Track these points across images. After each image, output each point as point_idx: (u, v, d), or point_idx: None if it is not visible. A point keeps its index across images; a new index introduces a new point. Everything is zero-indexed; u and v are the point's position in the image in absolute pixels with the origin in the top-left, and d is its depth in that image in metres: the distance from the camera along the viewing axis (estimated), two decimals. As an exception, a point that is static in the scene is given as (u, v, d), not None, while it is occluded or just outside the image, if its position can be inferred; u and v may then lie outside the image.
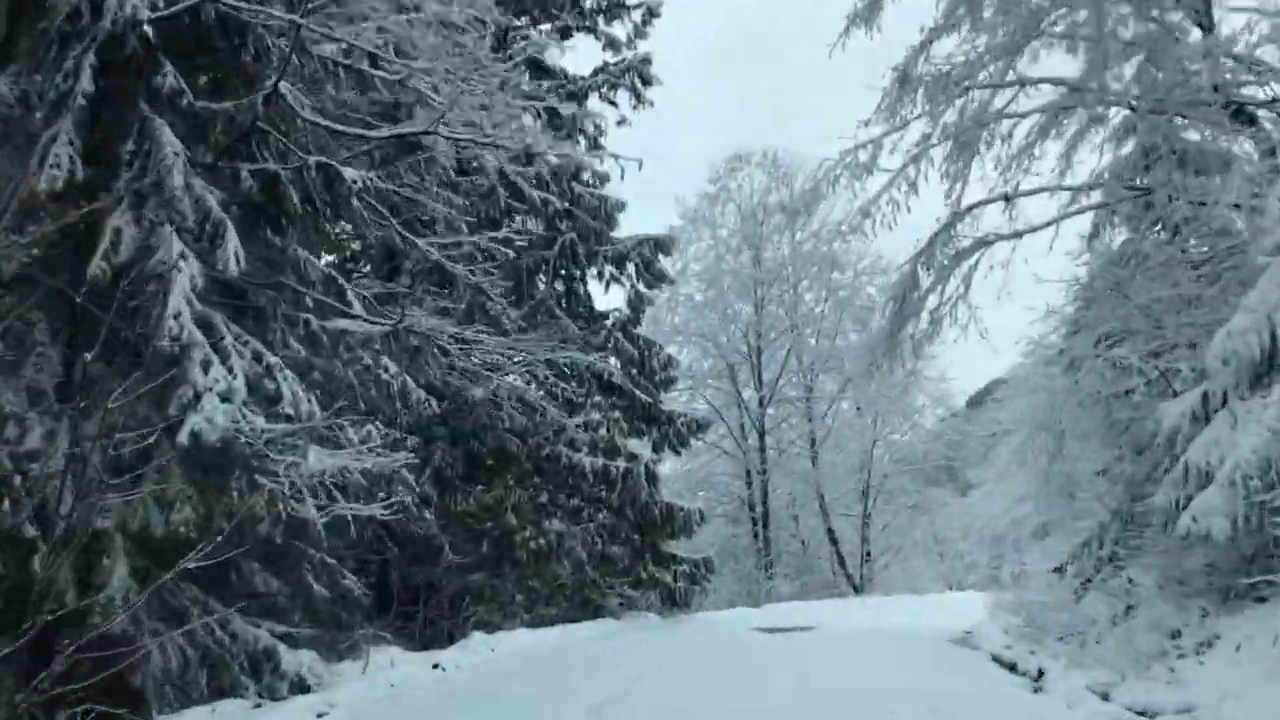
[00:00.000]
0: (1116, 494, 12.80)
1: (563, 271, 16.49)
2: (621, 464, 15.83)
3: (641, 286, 17.21)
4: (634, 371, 16.79)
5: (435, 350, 10.32)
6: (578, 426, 16.23)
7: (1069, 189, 11.03)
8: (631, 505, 16.19)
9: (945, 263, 11.36)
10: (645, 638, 13.89)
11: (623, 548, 17.22)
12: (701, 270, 25.28)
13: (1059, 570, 14.19)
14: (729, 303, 24.89)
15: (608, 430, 16.46)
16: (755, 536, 25.25)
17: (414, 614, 13.85)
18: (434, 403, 10.53)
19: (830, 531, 26.61)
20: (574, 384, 15.36)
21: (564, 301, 16.89)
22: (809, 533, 27.18)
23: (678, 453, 17.86)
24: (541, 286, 16.26)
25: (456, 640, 12.45)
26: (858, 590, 26.61)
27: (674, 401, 25.38)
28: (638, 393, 16.47)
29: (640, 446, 16.56)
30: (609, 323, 16.75)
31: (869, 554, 28.05)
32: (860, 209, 10.90)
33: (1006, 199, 11.32)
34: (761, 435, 24.99)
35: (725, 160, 25.82)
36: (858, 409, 27.50)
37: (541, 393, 16.46)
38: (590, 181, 16.63)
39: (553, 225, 16.45)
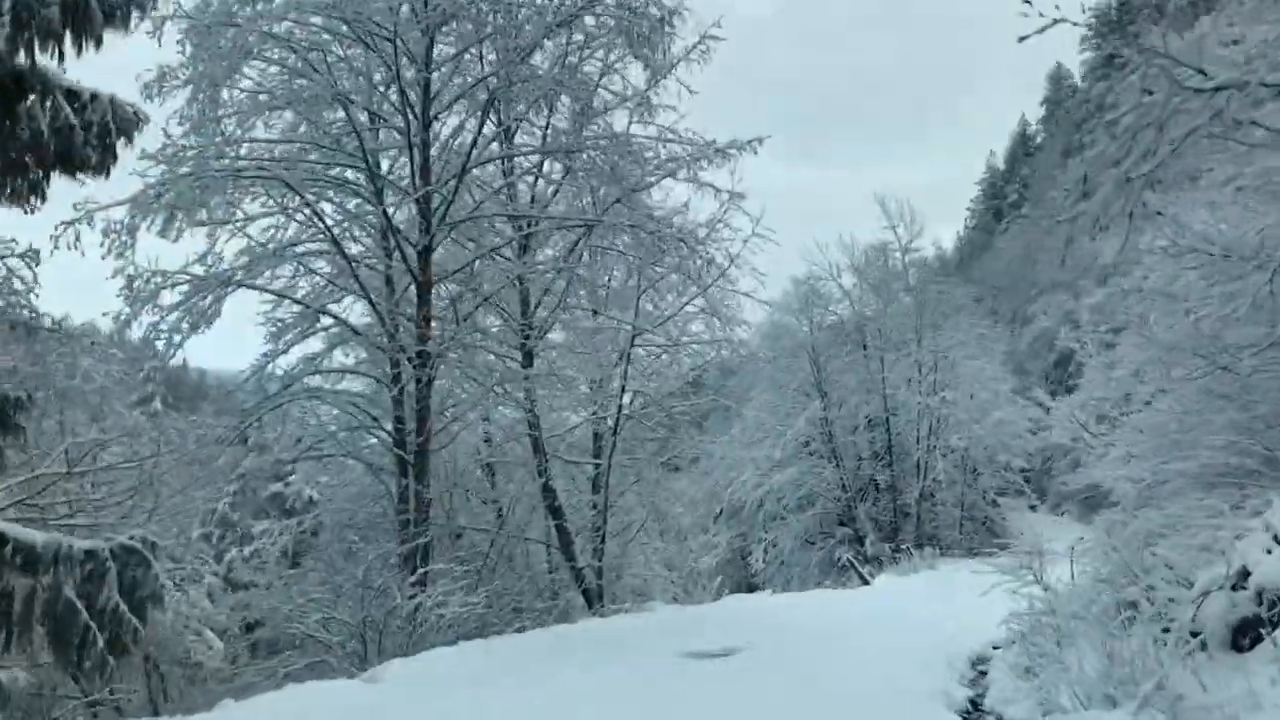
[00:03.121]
0: None
1: None
2: None
3: None
4: None
5: None
6: None
7: None
8: None
9: None
10: None
11: None
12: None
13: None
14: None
15: None
16: (403, 496, 12.26)
17: None
18: None
19: (549, 492, 14.51)
20: None
21: None
22: (515, 491, 14.81)
23: None
24: None
25: None
26: (592, 601, 14.73)
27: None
28: None
29: None
30: None
31: (603, 536, 16.19)
32: None
33: None
34: (422, 295, 11.89)
35: None
36: (605, 294, 15.58)
37: None
38: None
39: None
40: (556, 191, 13.38)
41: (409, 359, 11.44)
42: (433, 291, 11.76)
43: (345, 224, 12.34)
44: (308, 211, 11.74)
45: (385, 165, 13.01)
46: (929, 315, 31.29)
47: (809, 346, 31.29)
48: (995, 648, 10.76)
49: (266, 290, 12.13)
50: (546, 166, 13.44)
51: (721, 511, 36.45)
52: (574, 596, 14.94)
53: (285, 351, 13.00)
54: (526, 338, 13.13)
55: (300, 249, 11.95)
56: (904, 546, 28.91)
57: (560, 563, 15.13)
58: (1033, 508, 47.05)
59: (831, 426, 31.42)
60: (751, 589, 33.80)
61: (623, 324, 14.92)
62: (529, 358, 13.56)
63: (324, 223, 11.48)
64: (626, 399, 16.62)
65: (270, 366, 12.43)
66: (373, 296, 11.87)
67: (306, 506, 18.52)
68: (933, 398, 30.01)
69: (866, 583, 23.41)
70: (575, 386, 14.81)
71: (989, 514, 35.53)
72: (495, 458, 15.33)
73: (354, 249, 12.82)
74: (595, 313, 15.90)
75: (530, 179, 13.38)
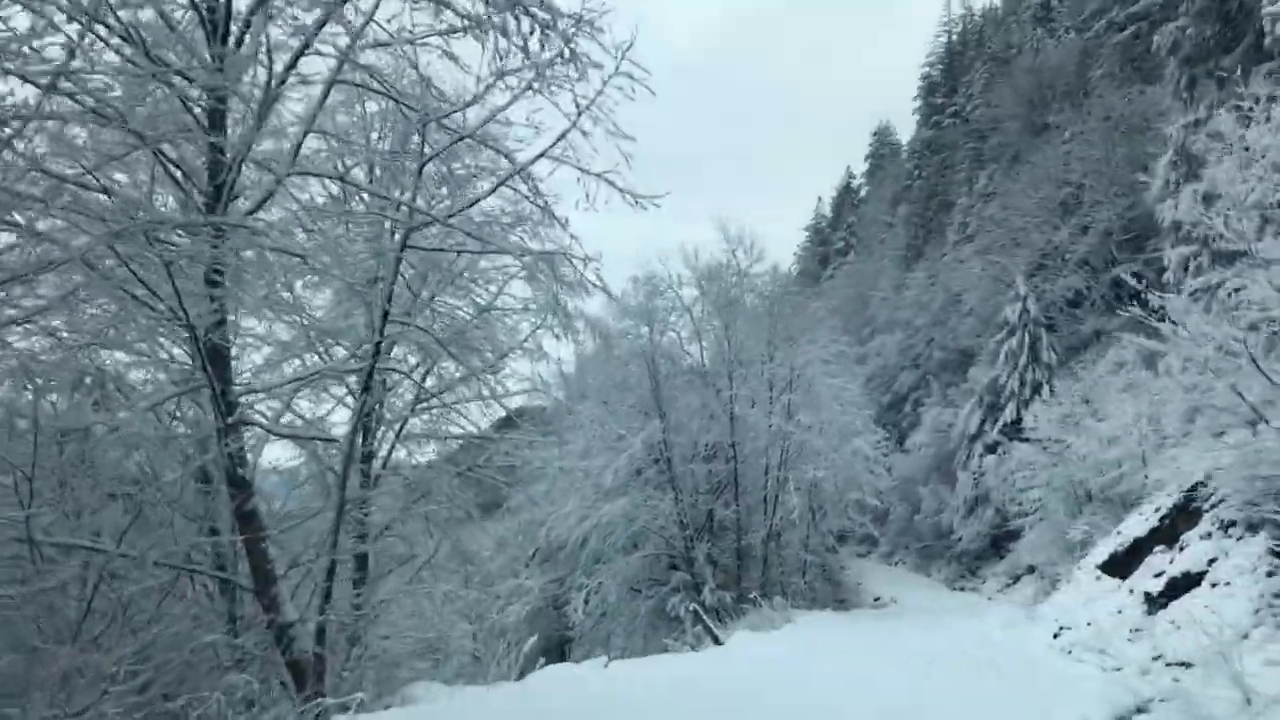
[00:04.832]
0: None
1: None
2: None
3: None
4: None
5: None
6: None
7: None
8: None
9: None
10: None
11: None
12: None
13: None
14: None
15: None
16: None
17: None
18: None
19: (236, 484, 8.09)
20: None
21: None
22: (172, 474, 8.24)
23: None
24: None
25: None
26: (306, 680, 8.26)
27: None
28: None
29: None
30: None
31: (331, 570, 9.74)
32: None
33: None
34: None
35: None
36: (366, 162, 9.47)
37: None
38: None
39: None
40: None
41: None
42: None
43: None
44: None
45: None
46: (783, 328, 26.92)
47: (649, 357, 25.99)
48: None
49: None
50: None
51: (536, 552, 30.29)
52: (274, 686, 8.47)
53: None
54: (216, 162, 6.78)
55: None
56: (751, 595, 23.96)
57: (256, 611, 8.60)
58: (862, 555, 43.84)
59: (671, 451, 26.12)
60: (564, 644, 27.62)
61: (391, 207, 8.86)
62: (217, 229, 7.19)
63: None
64: (399, 350, 10.50)
65: None
66: None
67: None
68: (787, 421, 25.47)
69: (718, 642, 17.99)
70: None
71: (826, 560, 31.44)
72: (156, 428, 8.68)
73: None
74: (355, 201, 9.79)
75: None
